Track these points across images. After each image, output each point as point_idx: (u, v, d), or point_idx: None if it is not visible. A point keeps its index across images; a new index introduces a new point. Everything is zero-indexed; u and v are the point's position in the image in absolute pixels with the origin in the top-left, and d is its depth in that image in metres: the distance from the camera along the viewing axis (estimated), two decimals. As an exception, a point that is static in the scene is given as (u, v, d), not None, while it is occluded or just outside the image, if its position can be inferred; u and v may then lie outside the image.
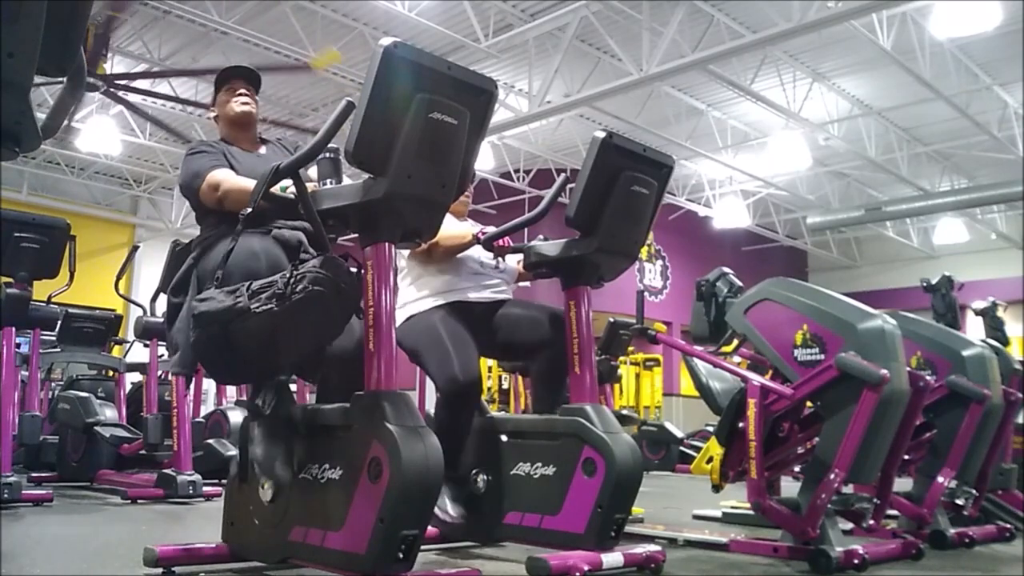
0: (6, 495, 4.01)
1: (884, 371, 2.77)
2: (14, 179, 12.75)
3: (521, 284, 3.30)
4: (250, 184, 2.37)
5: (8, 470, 4.18)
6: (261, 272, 2.22)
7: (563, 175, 3.27)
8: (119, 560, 2.77)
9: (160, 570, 2.34)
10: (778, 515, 2.99)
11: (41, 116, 1.62)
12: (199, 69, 8.75)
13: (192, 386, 5.36)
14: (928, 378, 3.28)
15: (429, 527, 2.77)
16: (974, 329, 4.93)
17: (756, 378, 3.10)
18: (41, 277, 4.39)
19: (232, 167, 2.60)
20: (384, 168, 2.06)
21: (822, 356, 2.97)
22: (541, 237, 2.94)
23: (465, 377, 2.75)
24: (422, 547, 2.12)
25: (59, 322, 5.56)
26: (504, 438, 2.87)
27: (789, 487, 3.79)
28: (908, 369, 3.12)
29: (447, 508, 2.79)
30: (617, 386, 9.30)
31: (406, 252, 3.03)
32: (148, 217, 14.65)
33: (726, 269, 3.87)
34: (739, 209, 14.29)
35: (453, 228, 2.93)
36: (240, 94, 2.78)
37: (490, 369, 9.97)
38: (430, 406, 5.33)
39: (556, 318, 2.91)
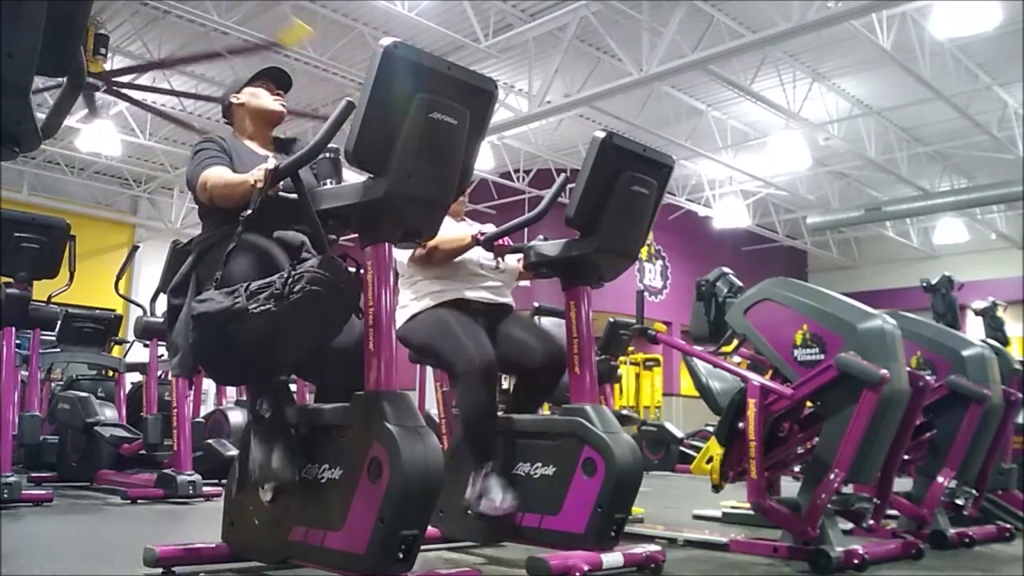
0: (6, 495, 4.01)
1: (884, 371, 2.77)
2: (14, 179, 12.75)
3: (521, 283, 3.29)
4: (234, 179, 2.35)
5: (8, 470, 4.18)
6: (260, 274, 2.22)
7: (563, 175, 3.27)
8: (119, 560, 2.77)
9: (160, 570, 2.34)
10: (778, 515, 2.99)
11: (41, 116, 1.62)
12: (197, 55, 8.68)
13: (192, 386, 5.35)
14: (928, 378, 3.28)
15: (470, 524, 2.76)
16: (974, 329, 4.92)
17: (756, 378, 3.10)
18: (41, 277, 4.39)
19: (232, 164, 2.56)
20: (384, 168, 2.06)
21: (822, 356, 2.97)
22: (541, 237, 2.93)
23: (481, 358, 2.73)
24: (422, 547, 2.12)
25: (59, 322, 5.57)
26: (504, 438, 2.86)
27: (789, 487, 3.78)
28: (908, 369, 3.12)
29: (496, 499, 2.68)
30: (617, 386, 9.28)
31: (405, 258, 3.02)
32: (148, 217, 14.65)
33: (726, 269, 3.88)
34: (739, 209, 14.29)
35: (452, 231, 2.92)
36: (277, 94, 2.76)
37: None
38: (430, 406, 5.34)
39: (551, 350, 2.90)
